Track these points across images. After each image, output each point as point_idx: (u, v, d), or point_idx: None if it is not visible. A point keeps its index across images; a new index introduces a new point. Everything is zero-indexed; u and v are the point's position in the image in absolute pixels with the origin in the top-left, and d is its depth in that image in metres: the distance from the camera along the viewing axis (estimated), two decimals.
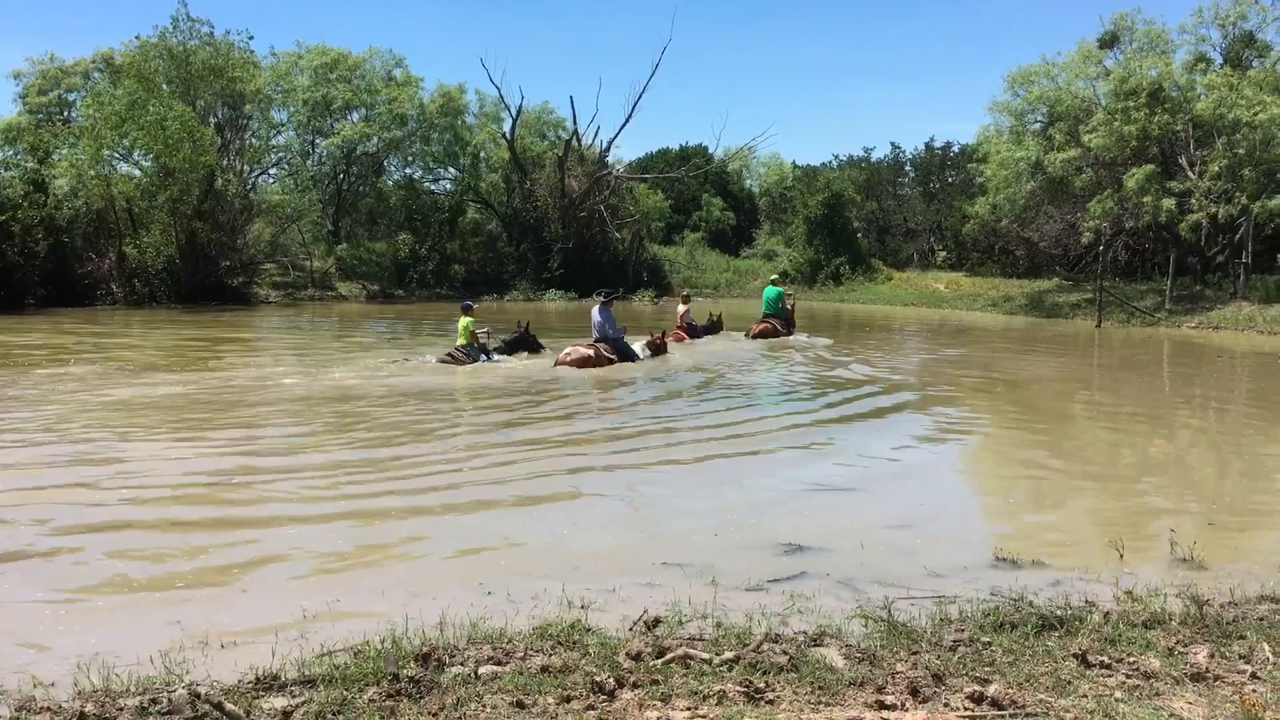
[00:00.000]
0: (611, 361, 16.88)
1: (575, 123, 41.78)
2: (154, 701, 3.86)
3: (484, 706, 3.81)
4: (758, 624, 4.95)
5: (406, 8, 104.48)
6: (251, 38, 35.81)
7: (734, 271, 44.99)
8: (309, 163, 42.37)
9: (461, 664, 4.29)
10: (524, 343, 18.03)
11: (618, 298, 19.65)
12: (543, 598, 5.47)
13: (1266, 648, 4.51)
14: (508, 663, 4.30)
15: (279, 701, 3.91)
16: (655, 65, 60.11)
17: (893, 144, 65.65)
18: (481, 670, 4.18)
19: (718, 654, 4.37)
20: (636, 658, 4.33)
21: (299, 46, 42.61)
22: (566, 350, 16.92)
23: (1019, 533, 7.20)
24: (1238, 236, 28.50)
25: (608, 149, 42.37)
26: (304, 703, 3.88)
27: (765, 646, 4.44)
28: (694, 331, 21.52)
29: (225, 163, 34.59)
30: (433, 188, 45.48)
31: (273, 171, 41.53)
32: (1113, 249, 31.84)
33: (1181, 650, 4.47)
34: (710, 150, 49.80)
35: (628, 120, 44.15)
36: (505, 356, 17.42)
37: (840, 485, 8.53)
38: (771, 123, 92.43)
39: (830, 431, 11.33)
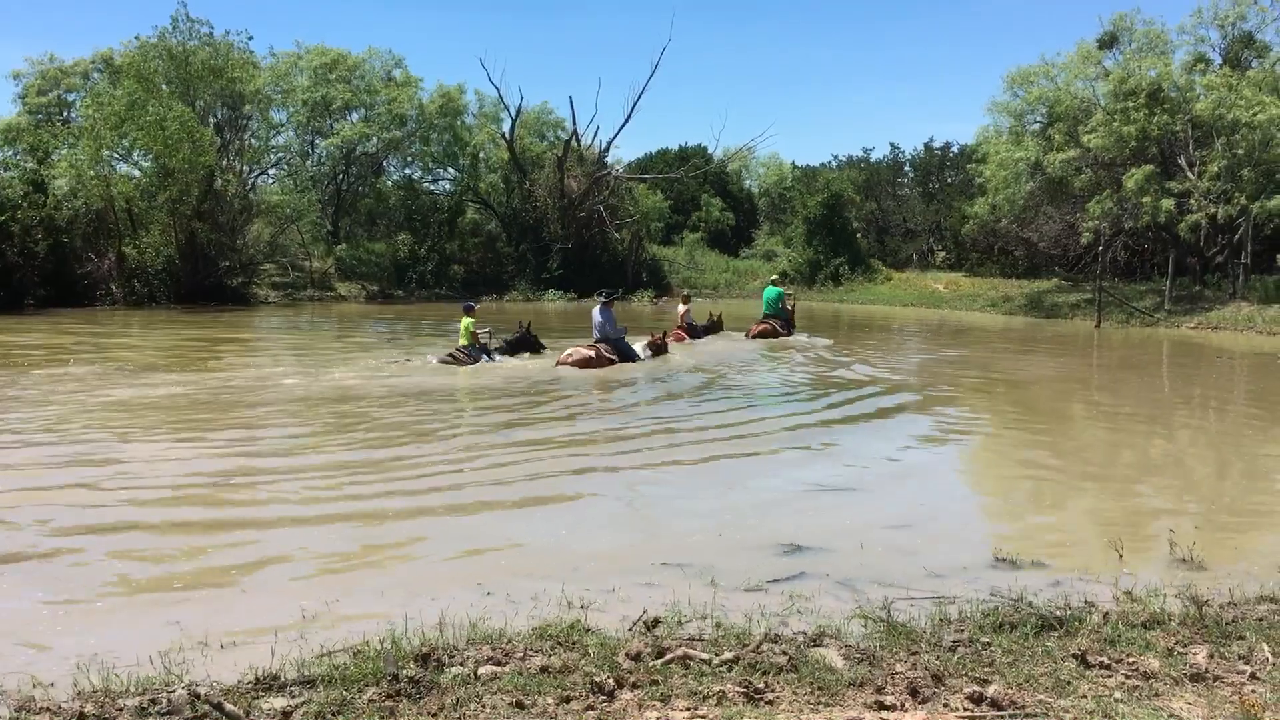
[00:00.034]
0: (612, 362, 16.89)
1: (574, 123, 41.83)
2: (153, 702, 3.86)
3: (483, 707, 3.81)
4: (757, 624, 4.96)
5: (406, 8, 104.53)
6: (251, 38, 35.84)
7: (733, 272, 44.99)
8: (308, 163, 42.37)
9: (461, 664, 4.29)
10: (525, 343, 18.03)
11: (618, 298, 19.65)
12: (542, 598, 5.47)
13: (1266, 648, 4.51)
14: (507, 663, 4.30)
15: (278, 702, 3.91)
16: (654, 66, 60.10)
17: (892, 144, 65.61)
18: (481, 671, 4.18)
19: (717, 654, 4.37)
20: (636, 658, 4.33)
21: (298, 47, 42.64)
22: (568, 351, 16.93)
23: (1019, 533, 7.20)
24: (1237, 237, 28.51)
25: (607, 149, 42.40)
26: (303, 703, 3.88)
27: (765, 647, 4.44)
28: (694, 332, 21.53)
29: (225, 163, 34.59)
30: (432, 188, 45.51)
31: (272, 172, 41.57)
32: (1112, 249, 31.84)
33: (1181, 651, 4.47)
34: (710, 150, 49.82)
35: (627, 121, 44.16)
36: (506, 357, 17.42)
37: (840, 485, 8.53)
38: (771, 123, 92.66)
39: (830, 432, 11.33)
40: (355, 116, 42.58)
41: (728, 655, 4.34)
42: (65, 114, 44.62)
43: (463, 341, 16.95)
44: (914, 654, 4.44)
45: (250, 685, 4.10)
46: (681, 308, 22.37)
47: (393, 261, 39.87)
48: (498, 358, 17.18)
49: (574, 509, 7.84)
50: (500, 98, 42.43)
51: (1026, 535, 7.12)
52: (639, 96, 48.19)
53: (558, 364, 16.54)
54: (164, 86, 32.43)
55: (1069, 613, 5.00)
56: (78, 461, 9.05)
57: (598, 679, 4.01)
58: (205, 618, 5.11)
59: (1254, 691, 4.02)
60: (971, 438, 11.62)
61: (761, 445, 10.42)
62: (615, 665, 4.25)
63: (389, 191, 43.97)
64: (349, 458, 9.36)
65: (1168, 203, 27.22)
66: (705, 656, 4.33)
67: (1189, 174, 28.22)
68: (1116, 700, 3.88)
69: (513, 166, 41.63)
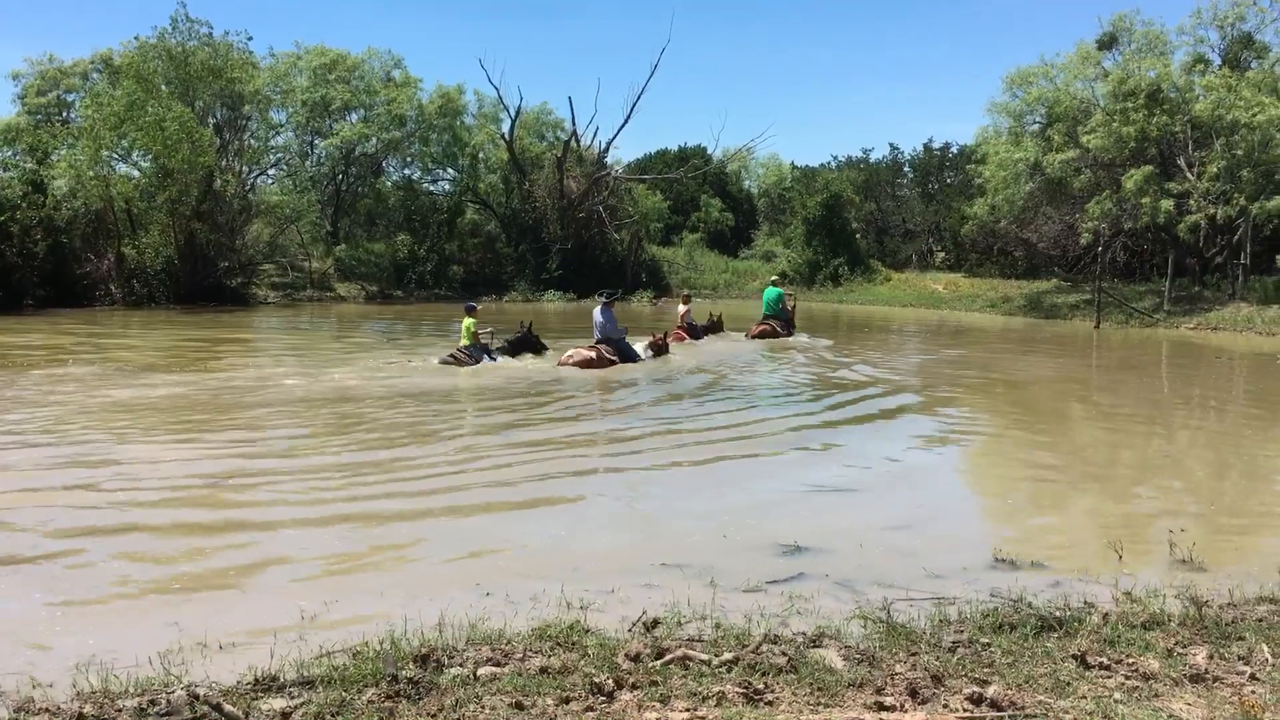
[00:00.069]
0: (613, 362, 16.89)
1: (574, 123, 41.80)
2: (152, 703, 3.86)
3: (483, 708, 3.80)
4: (757, 625, 4.95)
5: (405, 9, 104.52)
6: (250, 38, 35.82)
7: (732, 272, 44.97)
8: (308, 163, 42.36)
9: (460, 665, 4.29)
10: (527, 343, 18.03)
11: (618, 299, 19.66)
12: (542, 599, 5.47)
13: (1265, 649, 4.51)
14: (507, 664, 4.30)
15: (278, 703, 3.91)
16: (654, 66, 60.00)
17: (891, 145, 65.72)
18: (480, 671, 4.18)
19: (717, 655, 4.37)
20: (635, 659, 4.33)
21: (298, 47, 42.61)
22: (569, 352, 16.94)
23: (1018, 534, 7.20)
24: (1236, 238, 28.52)
25: (606, 150, 42.38)
26: (303, 704, 3.88)
27: (764, 648, 4.44)
28: (694, 332, 21.54)
29: (224, 163, 34.57)
30: (431, 188, 45.49)
31: (271, 172, 41.54)
32: (1111, 250, 31.86)
33: (1180, 651, 4.47)
34: (709, 151, 49.82)
35: (626, 121, 44.11)
36: (508, 357, 17.42)
37: (840, 486, 8.53)
38: (770, 123, 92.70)
39: (830, 433, 11.33)
40: (354, 117, 42.57)
41: (727, 656, 4.34)
42: (65, 114, 44.61)
43: (464, 342, 16.95)
44: (914, 655, 4.44)
45: (249, 686, 4.10)
46: (682, 308, 22.38)
47: (392, 262, 39.87)
48: (499, 358, 17.18)
49: (574, 510, 7.84)
50: (500, 98, 42.49)
51: (1026, 536, 7.12)
52: (638, 97, 48.36)
53: (559, 365, 16.55)
54: (163, 87, 32.42)
55: (1069, 613, 5.00)
56: (77, 463, 9.05)
57: (597, 680, 4.01)
58: (204, 619, 5.11)
59: (1254, 692, 4.02)
60: (971, 438, 11.62)
61: (762, 446, 10.42)
62: (615, 666, 4.25)
63: (388, 192, 43.96)
64: (349, 459, 9.36)
65: (1167, 203, 27.23)
66: (705, 657, 4.33)
67: (1188, 175, 28.23)
68: (1116, 701, 3.88)
69: (512, 167, 41.62)
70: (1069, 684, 4.05)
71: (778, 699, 3.91)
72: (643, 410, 13.06)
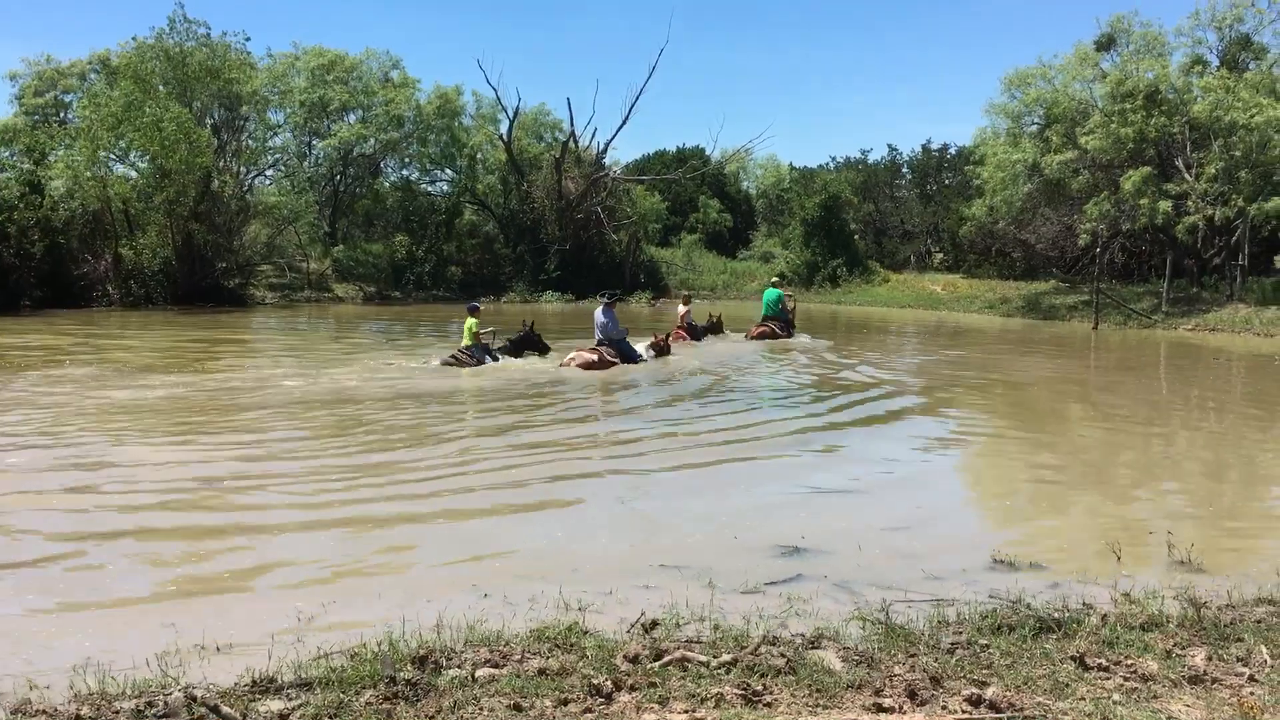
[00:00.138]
0: (615, 364, 16.90)
1: (572, 124, 41.84)
2: (150, 704, 3.85)
3: (481, 709, 3.80)
4: (755, 626, 4.95)
5: (404, 10, 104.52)
6: (248, 39, 35.82)
7: (731, 273, 45.00)
8: (305, 164, 42.36)
9: (458, 667, 4.28)
10: (529, 342, 18.02)
11: (619, 299, 19.66)
12: (540, 600, 5.46)
13: (1264, 650, 4.50)
14: (505, 665, 4.29)
15: (275, 704, 3.90)
16: (652, 67, 60.24)
17: (890, 146, 65.91)
18: (479, 673, 4.17)
19: (715, 656, 4.36)
20: (634, 660, 4.32)
21: (296, 48, 42.67)
22: (571, 354, 16.94)
23: (1017, 535, 7.19)
24: (1234, 239, 28.55)
25: (605, 151, 42.43)
26: (300, 705, 3.87)
27: (763, 649, 4.43)
28: (694, 333, 21.56)
29: (222, 164, 34.56)
30: (429, 189, 45.54)
31: (269, 173, 41.59)
32: (1109, 251, 31.90)
33: (1179, 653, 4.47)
34: (707, 152, 49.89)
35: (624, 122, 44.22)
36: (510, 357, 17.41)
37: (839, 488, 8.52)
38: (768, 125, 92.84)
39: (830, 435, 11.32)
40: (353, 117, 42.59)
41: (726, 657, 4.33)
42: (62, 115, 44.63)
43: (465, 342, 16.94)
44: (912, 656, 4.43)
45: (247, 688, 4.09)
46: (682, 308, 22.40)
47: (390, 263, 39.86)
48: (501, 358, 17.17)
49: (573, 512, 7.83)
50: (498, 99, 42.52)
51: (1025, 537, 7.12)
52: (636, 98, 48.48)
53: (560, 366, 16.56)
54: (161, 87, 32.41)
55: (1067, 615, 5.00)
56: (74, 465, 9.02)
57: (595, 681, 4.00)
58: (202, 621, 5.10)
59: (1252, 694, 4.02)
60: (970, 439, 11.62)
61: (762, 448, 10.39)
62: (613, 667, 4.24)
63: (386, 193, 43.97)
64: (348, 461, 9.34)
65: (1165, 204, 27.25)
66: (703, 658, 4.32)
67: (1186, 176, 28.25)
68: (1115, 702, 3.87)
69: (510, 168, 41.62)
70: (1068, 685, 4.05)
71: (776, 700, 3.91)
72: (644, 412, 13.05)
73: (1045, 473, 9.42)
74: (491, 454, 9.78)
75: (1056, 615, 4.97)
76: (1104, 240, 29.49)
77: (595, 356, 16.75)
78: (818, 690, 4.00)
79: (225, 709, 3.75)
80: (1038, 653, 4.46)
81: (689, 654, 4.36)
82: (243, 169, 36.79)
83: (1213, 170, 27.37)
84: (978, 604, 5.28)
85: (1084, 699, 3.90)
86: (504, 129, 42.40)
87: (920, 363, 19.20)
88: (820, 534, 6.90)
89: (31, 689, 4.19)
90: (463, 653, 4.48)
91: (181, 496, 7.91)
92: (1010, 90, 32.25)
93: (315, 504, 7.72)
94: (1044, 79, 31.62)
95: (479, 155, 43.99)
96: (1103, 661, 4.29)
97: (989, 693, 3.89)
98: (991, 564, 6.28)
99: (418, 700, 3.89)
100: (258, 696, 4.00)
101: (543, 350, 18.07)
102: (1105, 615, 5.06)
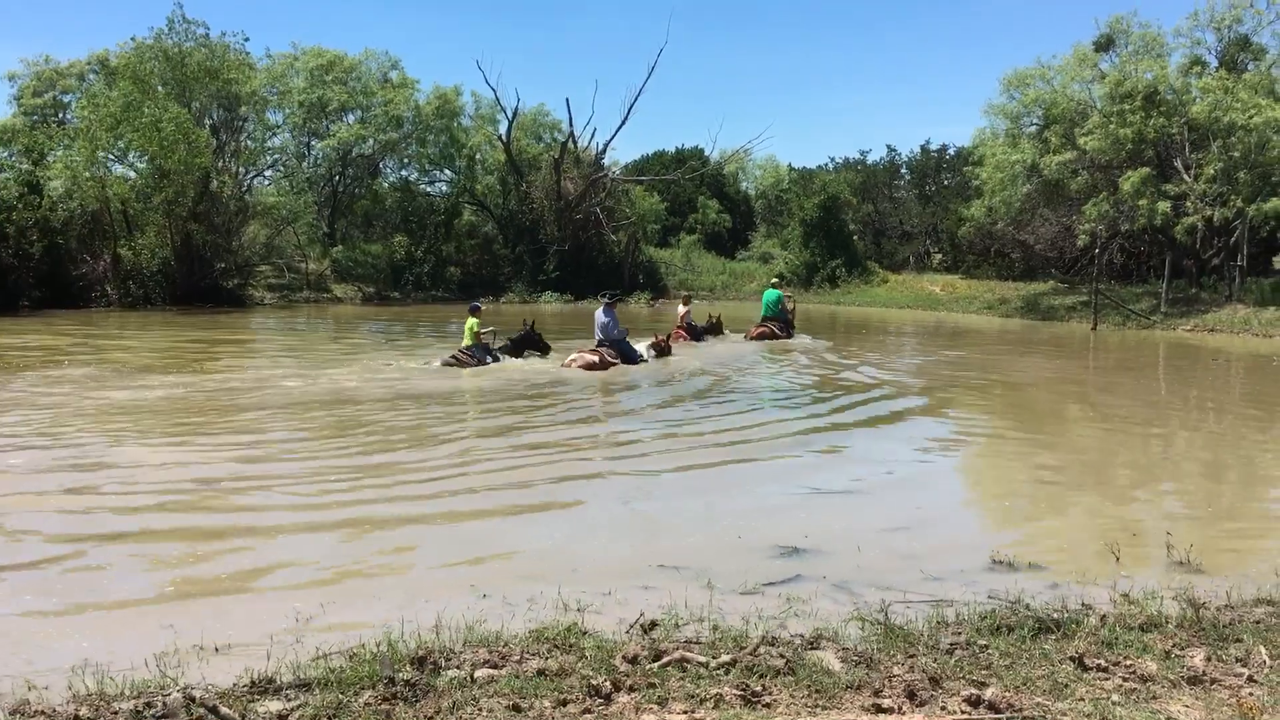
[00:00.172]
0: (616, 364, 16.90)
1: (571, 125, 41.84)
2: (148, 705, 3.84)
3: (480, 710, 3.79)
4: (754, 627, 4.94)
5: (403, 10, 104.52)
6: (247, 39, 35.80)
7: (730, 274, 45.01)
8: (304, 164, 42.35)
9: (457, 667, 4.28)
10: (530, 341, 18.02)
11: (619, 299, 19.67)
12: (539, 601, 5.46)
13: (1263, 651, 4.51)
14: (504, 666, 4.29)
15: (274, 705, 3.89)
16: (651, 68, 60.36)
17: (888, 146, 65.69)
18: (477, 674, 4.17)
19: (714, 657, 4.35)
20: (633, 661, 4.32)
21: (295, 48, 42.65)
22: (572, 356, 16.95)
23: (1016, 536, 7.19)
24: (1233, 239, 28.56)
25: (604, 151, 42.44)
26: (299, 706, 3.86)
27: (762, 649, 4.43)
28: (694, 333, 21.57)
29: (220, 164, 34.55)
30: (428, 190, 45.53)
31: (268, 173, 41.57)
32: (1108, 252, 31.92)
33: (1178, 653, 4.47)
34: (706, 153, 49.88)
35: (624, 123, 44.20)
36: (511, 357, 17.41)
37: (839, 489, 8.52)
38: (767, 125, 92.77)
39: (830, 436, 11.32)
40: (351, 118, 42.57)
41: (725, 658, 4.33)
42: (61, 115, 44.62)
43: (466, 342, 16.94)
44: (911, 657, 4.43)
45: (245, 688, 4.08)
46: (681, 309, 22.42)
47: (389, 263, 39.86)
48: (502, 358, 17.17)
49: (573, 512, 7.83)
50: (497, 99, 42.52)
51: (1024, 538, 7.12)
52: (635, 98, 48.54)
53: (562, 367, 16.56)
54: (160, 88, 32.40)
55: (1066, 615, 5.00)
56: (72, 466, 9.00)
57: (594, 682, 4.00)
58: (201, 621, 5.09)
59: (1251, 694, 4.02)
60: (969, 440, 11.62)
61: (762, 449, 10.38)
62: (612, 668, 4.24)
63: (385, 193, 43.96)
64: (347, 461, 9.34)
65: (1164, 205, 27.27)
66: (702, 659, 4.32)
67: (1185, 176, 28.26)
68: (1114, 703, 3.88)
69: (509, 168, 41.62)
70: (1067, 686, 4.05)
71: (775, 701, 3.91)
72: (645, 413, 13.04)
73: (1044, 473, 9.42)
74: (492, 455, 9.77)
75: (1055, 616, 4.97)
76: (1103, 241, 29.51)
77: (596, 358, 16.75)
78: (817, 691, 4.00)
79: (224, 709, 3.74)
80: (1037, 653, 4.46)
81: (688, 655, 4.36)
82: (241, 169, 36.78)
83: (1211, 171, 27.38)
84: (977, 604, 5.28)
85: (1083, 699, 3.90)
86: (503, 129, 42.42)
87: (920, 363, 19.20)
88: (820, 535, 6.90)
89: (30, 689, 4.18)
90: (462, 653, 4.47)
91: (180, 497, 7.91)
92: (1009, 91, 32.27)
93: (314, 505, 7.71)
94: (1043, 80, 31.63)
95: (478, 156, 43.99)
96: (1102, 662, 4.29)
97: (988, 693, 3.89)
98: (991, 565, 6.28)
99: (416, 701, 3.89)
100: (256, 697, 4.00)
101: (544, 350, 18.07)
102: (1104, 616, 5.06)
